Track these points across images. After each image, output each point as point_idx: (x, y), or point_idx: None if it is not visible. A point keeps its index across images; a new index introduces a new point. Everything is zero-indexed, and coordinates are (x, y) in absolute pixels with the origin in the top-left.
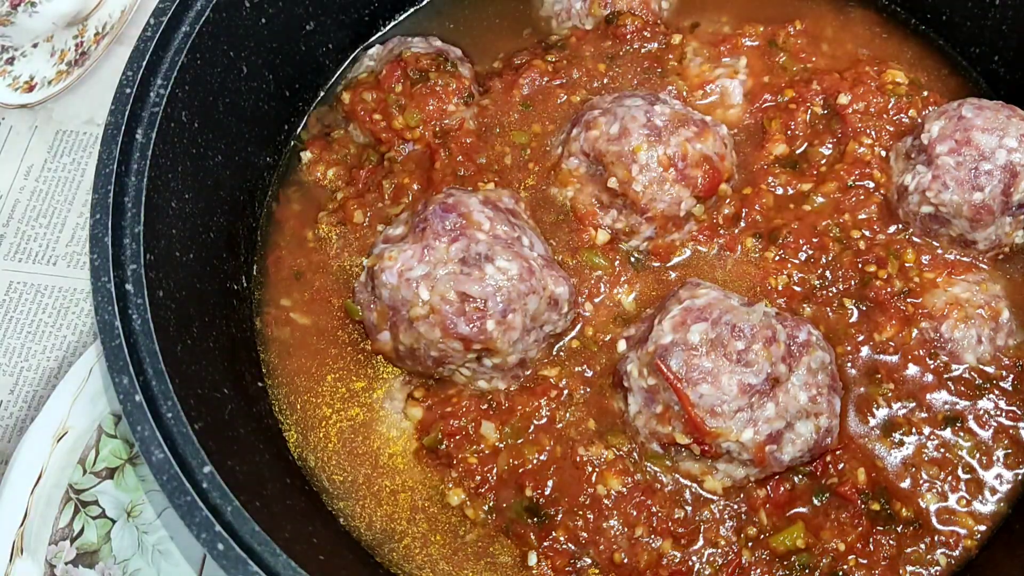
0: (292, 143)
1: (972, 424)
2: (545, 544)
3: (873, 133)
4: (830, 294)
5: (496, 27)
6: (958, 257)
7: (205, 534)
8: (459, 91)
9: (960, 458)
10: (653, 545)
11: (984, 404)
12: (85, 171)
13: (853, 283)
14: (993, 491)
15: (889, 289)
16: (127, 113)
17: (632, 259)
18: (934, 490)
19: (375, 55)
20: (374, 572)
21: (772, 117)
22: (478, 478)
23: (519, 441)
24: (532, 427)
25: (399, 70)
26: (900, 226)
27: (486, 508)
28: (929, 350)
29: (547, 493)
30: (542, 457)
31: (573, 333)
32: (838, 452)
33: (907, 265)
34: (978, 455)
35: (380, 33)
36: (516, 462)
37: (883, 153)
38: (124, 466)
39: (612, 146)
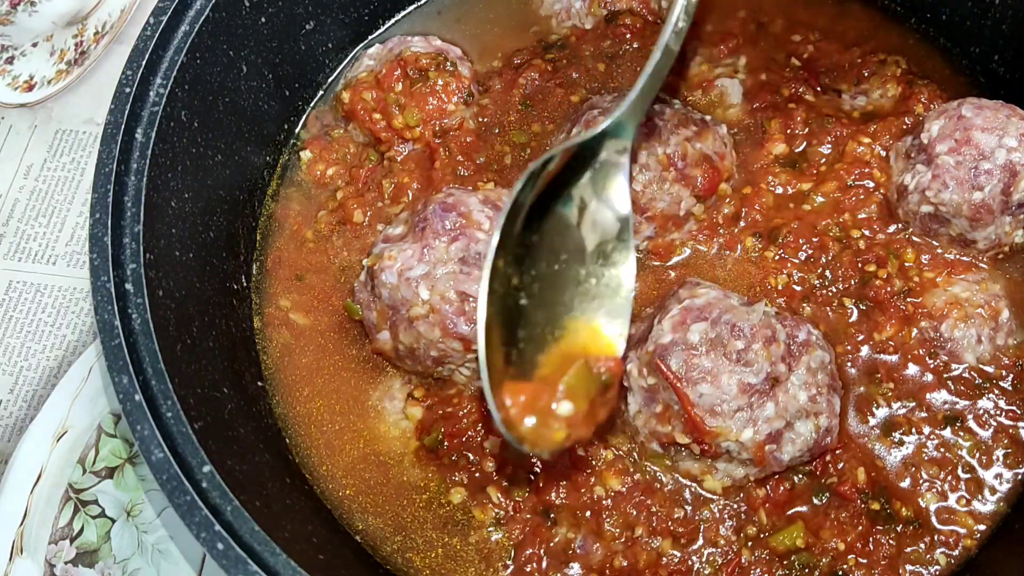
0: (292, 143)
1: (972, 424)
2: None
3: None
4: (830, 293)
5: (496, 27)
6: (958, 256)
7: (205, 533)
8: (459, 91)
9: (960, 458)
10: (653, 545)
11: (984, 404)
12: (85, 170)
13: (853, 282)
14: (993, 491)
15: (889, 288)
16: (127, 112)
17: None
18: (934, 490)
19: (375, 54)
20: (374, 572)
21: (771, 116)
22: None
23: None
24: None
25: (399, 69)
26: (900, 225)
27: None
28: (929, 349)
29: (548, 493)
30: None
31: None
32: (838, 452)
33: (907, 264)
34: (978, 455)
35: (379, 32)
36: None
37: (883, 152)
38: (124, 465)
39: None
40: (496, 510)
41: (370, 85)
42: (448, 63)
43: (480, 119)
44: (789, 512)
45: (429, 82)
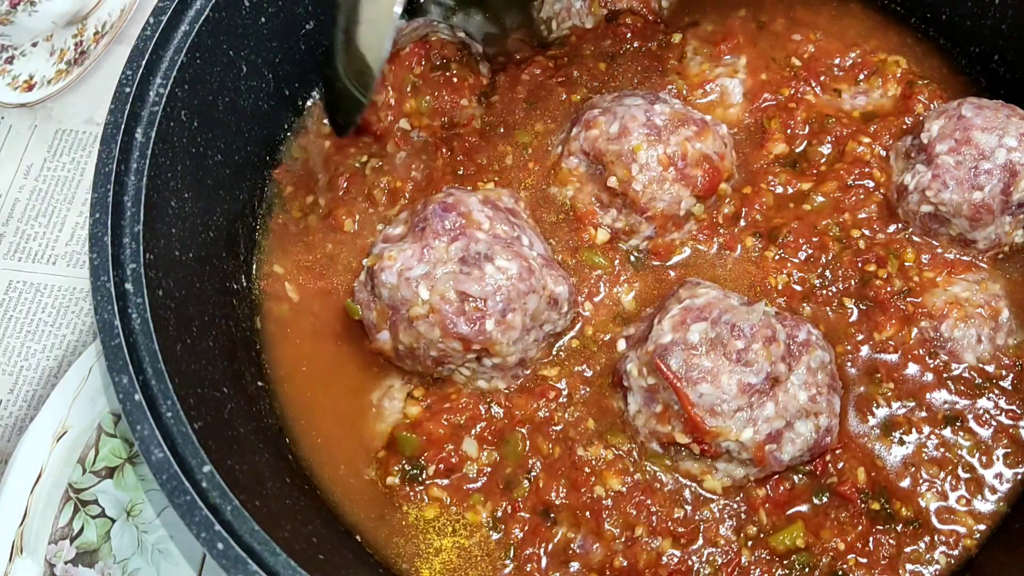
0: (292, 142)
1: (972, 423)
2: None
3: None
4: (830, 293)
5: (496, 24)
6: (958, 256)
7: (204, 533)
8: (475, 87)
9: (960, 457)
10: (653, 545)
11: (984, 403)
12: (85, 170)
13: (853, 282)
14: (993, 490)
15: (889, 288)
16: (126, 112)
17: (632, 258)
18: (934, 489)
19: (399, 30)
20: (374, 571)
21: (772, 116)
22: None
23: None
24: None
25: (423, 50)
26: (900, 225)
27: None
28: (929, 349)
29: (548, 493)
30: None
31: (573, 332)
32: (838, 451)
33: (907, 264)
34: (978, 454)
35: None
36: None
37: (883, 152)
38: (124, 465)
39: (612, 145)
40: (492, 511)
41: (390, 58)
42: (472, 57)
43: (486, 118)
44: (789, 512)
45: (449, 72)
